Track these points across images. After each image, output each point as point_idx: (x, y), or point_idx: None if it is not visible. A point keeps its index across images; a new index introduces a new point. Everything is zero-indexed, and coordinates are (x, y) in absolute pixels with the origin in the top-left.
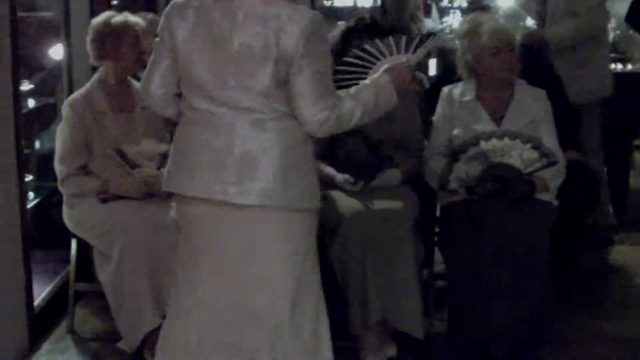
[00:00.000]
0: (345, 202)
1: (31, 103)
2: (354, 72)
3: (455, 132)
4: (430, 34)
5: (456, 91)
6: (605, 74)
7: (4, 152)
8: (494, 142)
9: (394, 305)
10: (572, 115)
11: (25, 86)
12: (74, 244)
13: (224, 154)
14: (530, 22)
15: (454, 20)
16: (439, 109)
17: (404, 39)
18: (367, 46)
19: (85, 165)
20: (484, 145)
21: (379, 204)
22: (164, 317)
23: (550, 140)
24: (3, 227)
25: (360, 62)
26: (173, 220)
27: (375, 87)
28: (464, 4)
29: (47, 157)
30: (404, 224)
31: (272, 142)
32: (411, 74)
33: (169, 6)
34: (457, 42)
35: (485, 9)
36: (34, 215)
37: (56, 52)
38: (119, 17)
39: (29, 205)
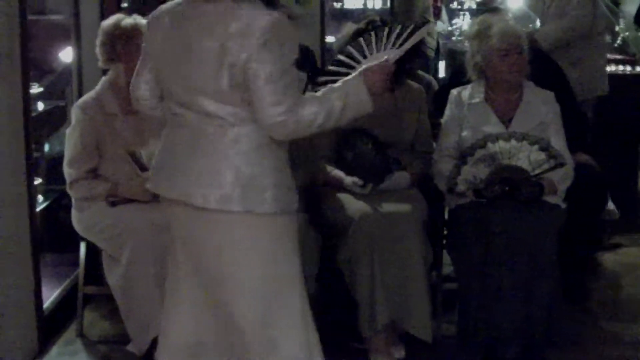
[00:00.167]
0: (354, 205)
1: (41, 106)
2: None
3: (464, 134)
4: (425, 22)
5: (465, 93)
6: (600, 73)
7: (13, 154)
8: (501, 144)
9: (403, 308)
10: (580, 117)
11: (35, 89)
12: (83, 247)
13: (190, 158)
14: (539, 23)
15: (464, 22)
16: (447, 111)
17: (385, 31)
18: (349, 48)
19: (94, 169)
20: (491, 147)
21: (388, 207)
22: None
23: (558, 142)
24: (12, 230)
25: (343, 70)
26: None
27: (344, 91)
28: (474, 6)
29: (56, 160)
30: (412, 227)
31: (233, 147)
32: (387, 73)
33: (150, 14)
34: (466, 43)
35: (495, 10)
36: (43, 218)
37: (66, 55)
38: (128, 20)
39: (38, 209)
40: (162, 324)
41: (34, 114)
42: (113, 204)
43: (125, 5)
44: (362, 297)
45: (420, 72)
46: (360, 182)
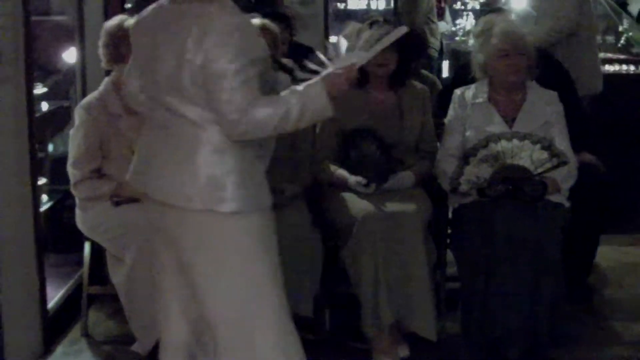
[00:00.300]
0: (358, 205)
1: (45, 106)
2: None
3: (468, 134)
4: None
5: (469, 93)
6: (592, 72)
7: (17, 155)
8: (504, 143)
9: (407, 307)
10: (584, 117)
11: (39, 89)
12: (87, 247)
13: (161, 157)
14: None
15: (467, 22)
16: (451, 111)
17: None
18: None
19: (98, 169)
20: (493, 147)
21: (392, 206)
22: None
23: (562, 142)
24: (17, 231)
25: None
26: None
27: (304, 95)
28: (477, 7)
29: (60, 160)
30: (416, 226)
31: (196, 148)
32: (349, 78)
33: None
34: (470, 42)
35: (498, 11)
36: (47, 218)
37: (70, 55)
38: (131, 21)
39: (43, 209)
40: (161, 324)
41: (38, 114)
42: (117, 204)
43: (128, 6)
44: (365, 296)
45: (424, 71)
46: (364, 181)
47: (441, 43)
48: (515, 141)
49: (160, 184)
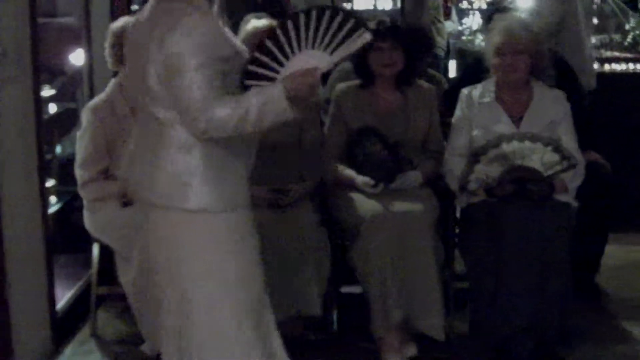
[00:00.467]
0: (365, 205)
1: (53, 108)
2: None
3: (475, 133)
4: (359, 25)
5: (475, 92)
6: (584, 69)
7: (25, 157)
8: (515, 144)
9: (415, 306)
10: (590, 116)
11: (47, 91)
12: (95, 248)
13: (140, 155)
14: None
15: (473, 21)
16: (458, 110)
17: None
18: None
19: (106, 170)
20: (505, 147)
21: (399, 206)
22: None
23: (569, 142)
24: (25, 232)
25: (266, 74)
26: None
27: (264, 97)
28: (484, 6)
29: (68, 162)
30: (424, 226)
31: (164, 147)
32: (312, 81)
33: None
34: (476, 42)
35: (505, 10)
36: (55, 220)
37: (77, 57)
38: None
39: (51, 210)
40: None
41: (45, 116)
42: (125, 205)
43: (135, 7)
44: (374, 296)
45: (430, 70)
46: (371, 181)
47: (448, 42)
48: (527, 142)
49: (137, 182)
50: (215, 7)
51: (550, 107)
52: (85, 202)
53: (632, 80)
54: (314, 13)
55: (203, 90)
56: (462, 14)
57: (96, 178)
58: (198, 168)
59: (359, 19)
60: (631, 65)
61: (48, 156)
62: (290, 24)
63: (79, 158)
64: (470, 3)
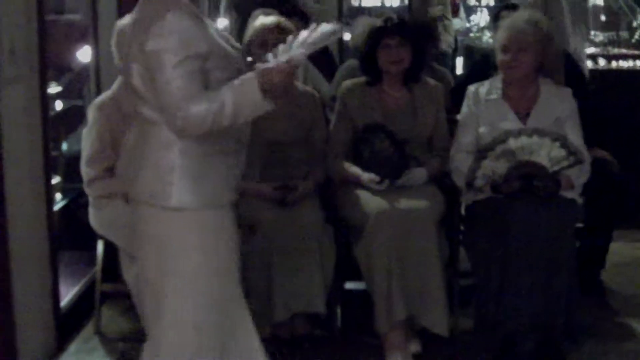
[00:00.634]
0: (371, 201)
1: (59, 105)
2: None
3: (482, 130)
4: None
5: (482, 89)
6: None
7: (32, 153)
8: (523, 139)
9: (419, 303)
10: (597, 113)
11: (54, 88)
12: (100, 245)
13: (126, 153)
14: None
15: (481, 19)
16: (464, 107)
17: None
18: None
19: (111, 167)
20: (512, 143)
21: (405, 203)
22: None
23: (575, 138)
24: (31, 229)
25: None
26: None
27: (238, 91)
28: (491, 3)
29: (74, 159)
30: (429, 223)
31: (145, 143)
32: (286, 74)
33: None
34: (483, 39)
35: (513, 7)
36: (61, 216)
37: (84, 54)
38: None
39: (57, 207)
40: None
41: (52, 113)
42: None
43: None
44: (378, 293)
45: (434, 64)
46: (377, 178)
47: (455, 40)
48: (535, 137)
49: (125, 178)
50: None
51: (557, 104)
52: (90, 199)
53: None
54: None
55: (180, 88)
56: (470, 11)
57: (102, 175)
58: (178, 166)
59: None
60: (638, 62)
61: (54, 153)
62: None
63: (84, 155)
64: (478, 0)
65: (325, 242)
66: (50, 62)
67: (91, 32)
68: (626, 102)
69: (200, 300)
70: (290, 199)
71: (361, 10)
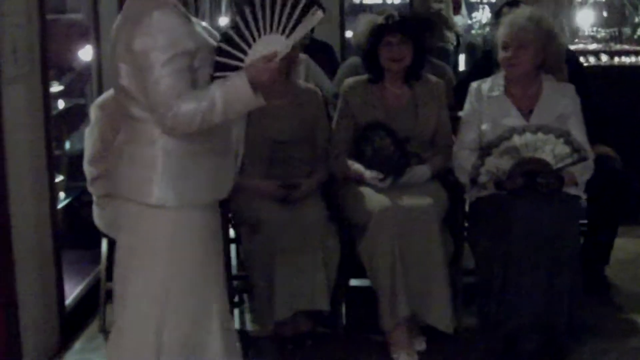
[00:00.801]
0: (374, 199)
1: (61, 104)
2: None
3: (484, 127)
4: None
5: (485, 86)
6: None
7: (34, 152)
8: (528, 136)
9: (423, 300)
10: (600, 109)
11: (55, 87)
12: (104, 243)
13: (114, 150)
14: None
15: (483, 15)
16: (467, 104)
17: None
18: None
19: None
20: (517, 139)
21: (408, 200)
22: None
23: (579, 135)
24: (34, 228)
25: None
26: None
27: (227, 87)
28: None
29: (77, 158)
30: (432, 220)
31: (130, 141)
32: (273, 67)
33: None
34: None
35: (514, 4)
36: (64, 215)
37: (85, 53)
38: None
39: (60, 206)
40: None
41: (54, 112)
42: None
43: None
44: (382, 290)
45: (434, 59)
46: (380, 176)
47: (457, 37)
48: (539, 134)
49: (110, 175)
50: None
51: (560, 101)
52: (94, 197)
53: None
54: None
55: (169, 86)
56: (472, 8)
57: (105, 174)
58: (160, 163)
59: None
60: None
61: (57, 152)
62: (247, 11)
63: (87, 154)
64: None
65: (328, 240)
66: (52, 62)
67: (92, 32)
68: (629, 99)
69: (164, 299)
70: (293, 197)
71: (362, 7)
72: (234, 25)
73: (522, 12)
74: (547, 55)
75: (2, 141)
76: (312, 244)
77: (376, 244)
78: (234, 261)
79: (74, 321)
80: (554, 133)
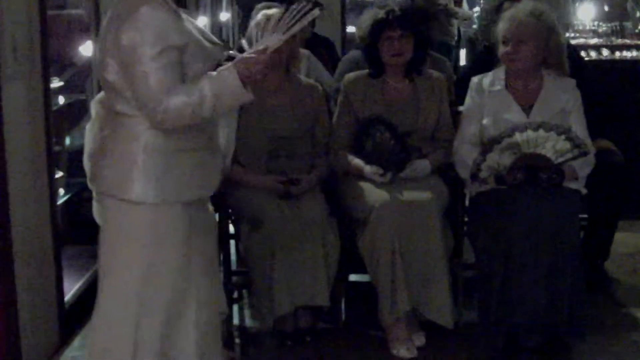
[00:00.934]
0: (375, 194)
1: (62, 100)
2: None
3: (485, 121)
4: (316, 4)
5: (486, 81)
6: None
7: (34, 148)
8: (530, 133)
9: (424, 295)
10: (601, 104)
11: (56, 83)
12: None
13: (97, 145)
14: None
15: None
16: (468, 98)
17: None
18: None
19: None
20: (518, 136)
21: (408, 195)
22: None
23: (580, 130)
24: (34, 224)
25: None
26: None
27: (217, 82)
28: None
29: (77, 153)
30: (433, 215)
31: (113, 137)
32: (262, 62)
33: None
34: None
35: None
36: (64, 211)
37: (86, 49)
38: None
39: (60, 202)
40: None
41: (54, 108)
42: None
43: None
44: (382, 285)
45: (433, 53)
46: (380, 170)
47: (459, 31)
48: (541, 131)
49: (92, 171)
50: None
51: (561, 96)
52: (94, 193)
53: None
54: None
55: (158, 81)
56: (473, 2)
57: None
58: (141, 160)
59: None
60: None
61: (57, 148)
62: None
63: (87, 150)
64: None
65: (329, 235)
66: (52, 57)
67: (93, 27)
68: (630, 93)
69: (142, 297)
70: (293, 193)
71: (364, 3)
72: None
73: (524, 7)
74: (548, 50)
75: (2, 138)
76: (312, 239)
77: (376, 239)
78: (233, 257)
79: (73, 317)
80: (556, 130)
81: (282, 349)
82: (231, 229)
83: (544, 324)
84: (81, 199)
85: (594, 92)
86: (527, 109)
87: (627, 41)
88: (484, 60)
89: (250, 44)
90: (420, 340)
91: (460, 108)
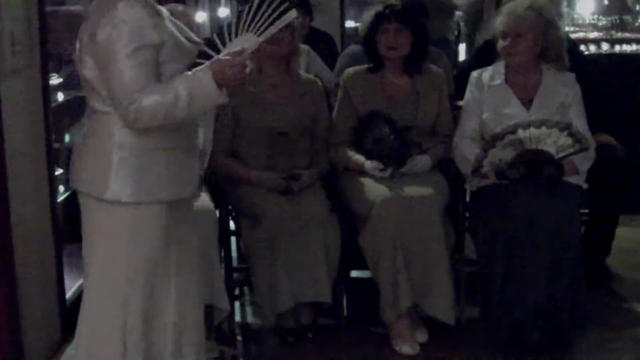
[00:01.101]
0: (375, 189)
1: (61, 96)
2: None
3: (485, 116)
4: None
5: (485, 75)
6: None
7: (34, 145)
8: (532, 130)
9: (425, 291)
10: (601, 98)
11: (55, 80)
12: None
13: (78, 145)
14: None
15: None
16: (468, 93)
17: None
18: (214, 36)
19: None
20: (521, 133)
21: (409, 190)
22: None
23: (580, 124)
24: (34, 221)
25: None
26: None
27: (191, 82)
28: None
29: None
30: (434, 210)
31: (90, 135)
32: (239, 64)
33: None
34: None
35: None
36: (64, 208)
37: None
38: None
39: (60, 199)
40: None
41: (54, 105)
42: None
43: None
44: (384, 281)
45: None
46: (380, 166)
47: (458, 26)
48: (543, 128)
49: (72, 170)
50: None
51: (561, 90)
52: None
53: None
54: (255, 2)
55: (132, 79)
56: None
57: None
58: (117, 158)
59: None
60: None
61: (56, 145)
62: (235, 18)
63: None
64: None
65: (330, 231)
66: (51, 54)
67: None
68: (630, 87)
69: (118, 299)
70: (294, 188)
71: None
72: (219, 32)
73: (522, 1)
74: (547, 44)
75: (1, 135)
76: (313, 235)
77: (377, 235)
78: (234, 253)
79: (75, 314)
80: (558, 126)
81: (284, 346)
82: (232, 225)
83: (545, 319)
84: None
85: (594, 86)
86: (526, 103)
87: (627, 35)
88: (483, 55)
89: (222, 40)
90: (422, 336)
91: (460, 103)
